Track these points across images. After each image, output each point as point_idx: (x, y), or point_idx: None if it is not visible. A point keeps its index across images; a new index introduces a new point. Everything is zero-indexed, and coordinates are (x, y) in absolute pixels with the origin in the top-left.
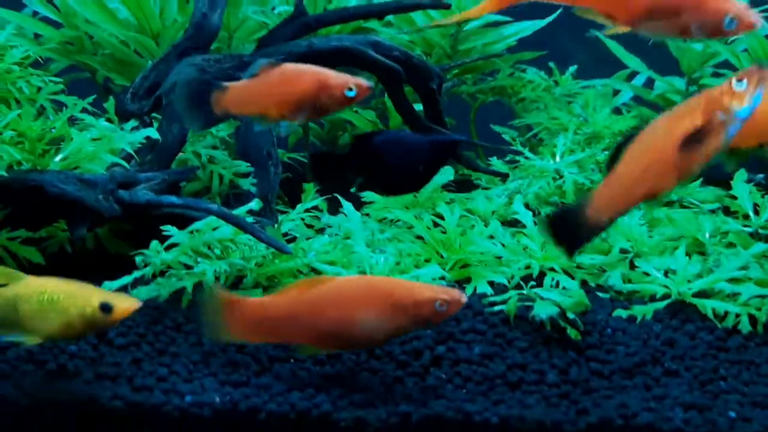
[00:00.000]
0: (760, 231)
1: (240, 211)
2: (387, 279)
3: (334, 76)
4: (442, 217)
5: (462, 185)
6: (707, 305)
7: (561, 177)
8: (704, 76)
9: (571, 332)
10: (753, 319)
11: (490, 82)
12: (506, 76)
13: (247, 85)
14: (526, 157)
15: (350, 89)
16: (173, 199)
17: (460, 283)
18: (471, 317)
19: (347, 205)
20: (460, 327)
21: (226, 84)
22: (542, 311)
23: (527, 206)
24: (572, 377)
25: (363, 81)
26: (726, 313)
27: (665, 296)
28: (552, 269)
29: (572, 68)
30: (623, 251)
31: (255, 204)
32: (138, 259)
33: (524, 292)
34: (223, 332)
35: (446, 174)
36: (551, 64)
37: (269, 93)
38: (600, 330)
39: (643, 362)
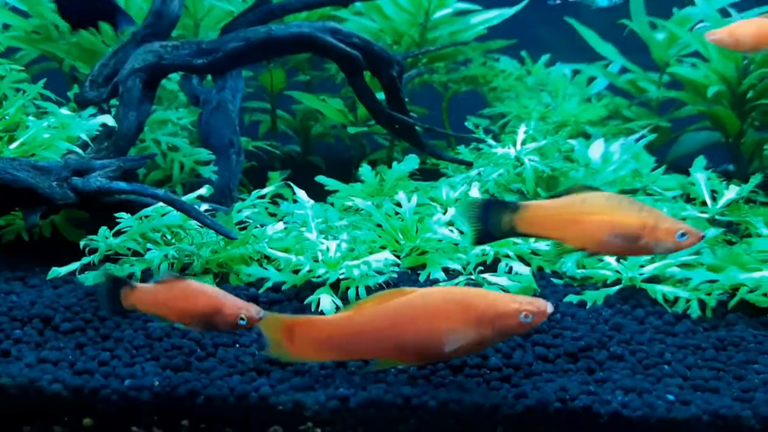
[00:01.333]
0: (717, 217)
1: (191, 196)
2: (466, 290)
3: (230, 304)
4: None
5: (431, 174)
6: (657, 290)
7: (522, 164)
8: (672, 64)
9: None
10: (703, 304)
11: (462, 71)
12: (479, 65)
13: (152, 290)
14: (489, 145)
15: (242, 318)
16: (123, 185)
17: (415, 270)
18: None
19: (300, 193)
20: None
21: (134, 284)
22: None
23: (492, 195)
24: (515, 361)
25: (254, 312)
26: (676, 299)
27: (616, 282)
28: (507, 256)
29: (545, 57)
30: None
31: (206, 190)
32: (82, 243)
33: (473, 277)
34: (288, 354)
35: (411, 162)
36: (523, 53)
37: (171, 303)
38: (549, 315)
39: (589, 346)
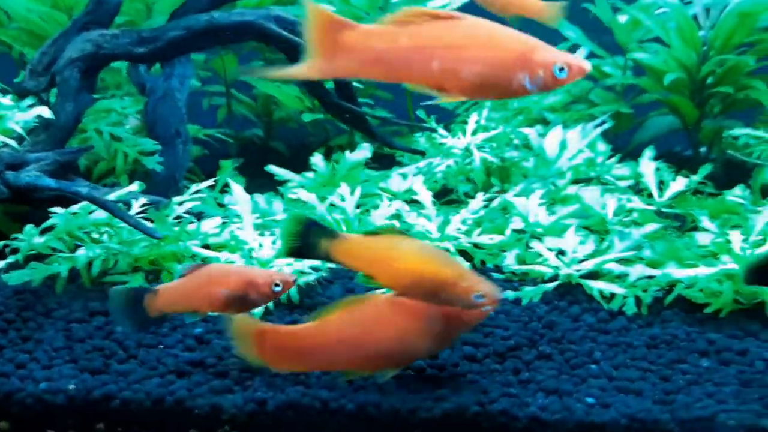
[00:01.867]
0: (664, 209)
1: (121, 194)
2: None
3: (260, 274)
4: None
5: (391, 161)
6: (594, 287)
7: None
8: (632, 50)
9: None
10: (639, 301)
11: None
12: None
13: (177, 286)
14: (440, 135)
15: (276, 285)
16: (50, 182)
17: None
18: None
19: (235, 187)
20: None
21: (157, 288)
22: None
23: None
24: (441, 362)
25: (288, 276)
26: (612, 295)
27: (555, 278)
28: (447, 250)
29: None
30: (520, 231)
31: (137, 187)
32: (0, 243)
33: None
34: (258, 360)
35: (364, 151)
36: None
37: (199, 292)
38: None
39: (518, 346)
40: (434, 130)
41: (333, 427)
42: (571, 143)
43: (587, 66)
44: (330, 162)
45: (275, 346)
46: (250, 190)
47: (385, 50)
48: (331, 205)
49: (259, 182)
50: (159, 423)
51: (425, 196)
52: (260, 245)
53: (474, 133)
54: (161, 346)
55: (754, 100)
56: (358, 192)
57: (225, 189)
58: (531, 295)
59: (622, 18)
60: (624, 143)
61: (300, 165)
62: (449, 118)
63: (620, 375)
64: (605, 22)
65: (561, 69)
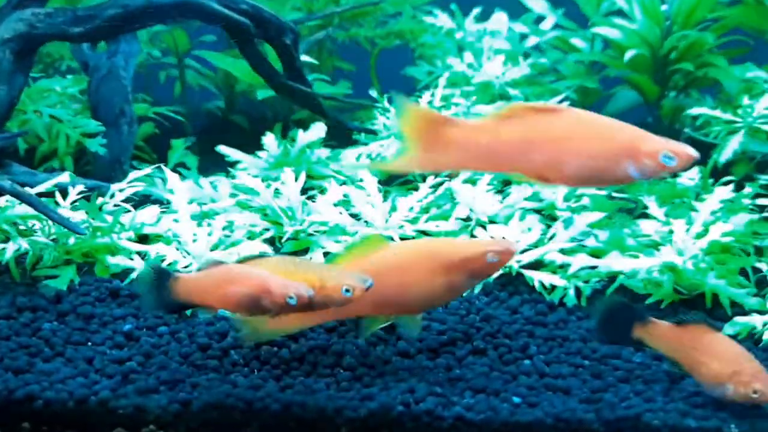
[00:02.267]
0: (614, 194)
1: (50, 185)
2: (433, 241)
3: (277, 284)
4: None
5: (347, 139)
6: (535, 278)
7: None
8: (596, 23)
9: None
10: (580, 292)
11: (391, 25)
12: (409, 18)
13: (195, 278)
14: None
15: (291, 297)
16: None
17: (297, 254)
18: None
19: (170, 175)
20: None
21: (177, 274)
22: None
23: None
24: (372, 359)
25: (303, 290)
26: (553, 287)
27: None
28: (391, 238)
29: (477, 11)
30: (466, 219)
31: (69, 178)
32: None
33: None
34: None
35: (318, 131)
36: (453, 7)
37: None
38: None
39: (453, 341)
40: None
41: (257, 427)
42: None
43: (694, 153)
44: (286, 140)
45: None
46: (203, 168)
47: (488, 145)
48: (276, 190)
49: (214, 159)
50: (83, 423)
51: (370, 182)
52: (194, 238)
53: None
54: (89, 344)
55: (713, 78)
56: (302, 178)
57: (176, 170)
58: None
59: None
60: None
61: (260, 140)
62: (412, 93)
63: (552, 371)
64: None
65: (669, 157)
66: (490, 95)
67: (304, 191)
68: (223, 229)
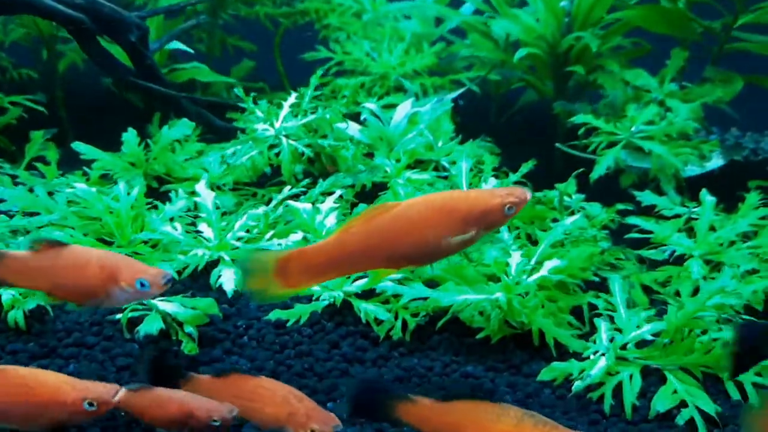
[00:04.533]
0: None
1: None
2: (447, 194)
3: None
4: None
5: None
6: (363, 308)
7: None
8: (503, 13)
9: (186, 347)
10: (406, 326)
11: (296, 5)
12: None
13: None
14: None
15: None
16: None
17: None
18: (87, 327)
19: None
20: (67, 339)
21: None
22: (146, 328)
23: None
24: None
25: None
26: (379, 319)
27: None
28: (222, 259)
29: None
30: (306, 240)
31: None
32: None
33: (146, 302)
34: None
35: (183, 128)
36: None
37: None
38: (234, 338)
39: None
40: (245, 111)
41: None
42: (402, 122)
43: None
44: (157, 133)
45: (301, 266)
46: (62, 163)
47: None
48: (115, 198)
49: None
50: None
51: (206, 197)
52: None
53: (296, 114)
54: None
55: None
56: (135, 191)
57: (33, 165)
58: (300, 313)
59: None
60: (501, 110)
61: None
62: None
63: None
64: None
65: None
66: (386, 87)
67: (161, 195)
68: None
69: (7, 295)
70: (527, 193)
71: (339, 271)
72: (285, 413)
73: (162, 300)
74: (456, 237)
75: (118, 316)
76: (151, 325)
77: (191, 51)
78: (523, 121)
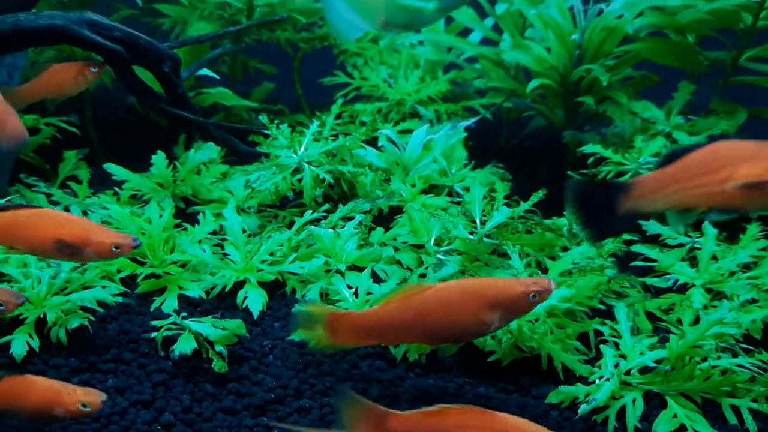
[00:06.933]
0: (485, 239)
1: None
2: (477, 281)
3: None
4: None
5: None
6: None
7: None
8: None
9: (216, 365)
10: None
11: (316, 30)
12: None
13: None
14: (279, 145)
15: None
16: None
17: (152, 294)
18: (125, 342)
19: None
20: (105, 356)
21: None
22: (180, 347)
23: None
24: (194, 414)
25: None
26: None
27: None
28: (248, 280)
29: None
30: (327, 263)
31: None
32: None
33: (178, 321)
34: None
35: (209, 152)
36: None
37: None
38: (260, 357)
39: (280, 399)
40: (268, 136)
41: None
42: (419, 148)
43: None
44: (184, 154)
45: (346, 327)
46: (92, 182)
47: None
48: (146, 220)
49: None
50: None
51: (234, 222)
52: (32, 281)
53: (319, 140)
54: None
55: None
56: (167, 213)
57: (66, 184)
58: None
59: None
60: (511, 135)
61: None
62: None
63: None
64: (487, 10)
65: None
66: (402, 113)
67: (188, 216)
68: (72, 270)
69: (51, 314)
70: (552, 284)
71: (380, 339)
72: (49, 396)
73: (194, 321)
74: (483, 319)
75: (154, 334)
76: (185, 345)
77: (217, 77)
78: (533, 146)
